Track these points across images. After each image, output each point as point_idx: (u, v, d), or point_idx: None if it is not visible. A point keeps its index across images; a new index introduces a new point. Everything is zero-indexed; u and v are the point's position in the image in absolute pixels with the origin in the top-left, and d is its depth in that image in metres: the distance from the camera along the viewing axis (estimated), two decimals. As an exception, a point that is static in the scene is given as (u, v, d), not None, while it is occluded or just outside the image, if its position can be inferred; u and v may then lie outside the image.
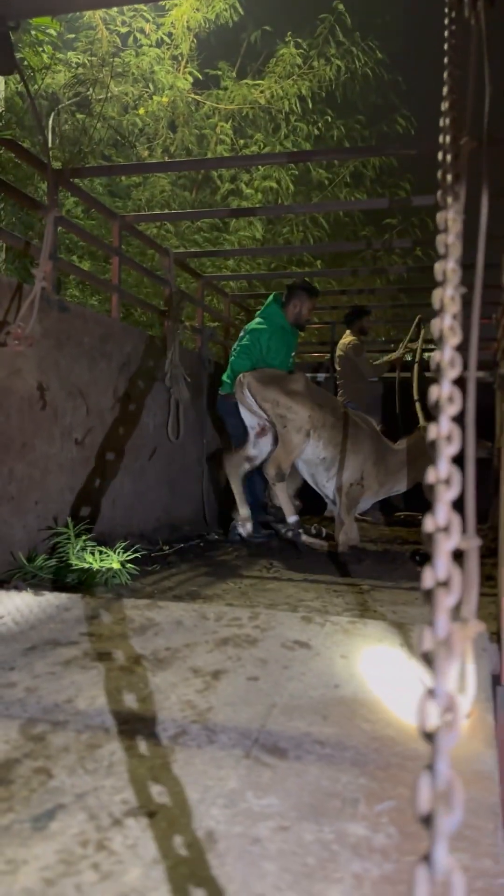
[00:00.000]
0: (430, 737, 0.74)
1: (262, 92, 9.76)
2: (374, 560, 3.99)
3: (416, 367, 5.75)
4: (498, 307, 5.26)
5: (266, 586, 3.22)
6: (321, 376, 6.85)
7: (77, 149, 8.67)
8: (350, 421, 4.41)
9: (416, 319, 6.74)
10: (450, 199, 1.40)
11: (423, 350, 6.81)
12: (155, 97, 9.27)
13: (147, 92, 9.29)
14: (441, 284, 1.20)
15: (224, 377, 4.92)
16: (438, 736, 0.72)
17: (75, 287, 8.09)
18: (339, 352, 6.44)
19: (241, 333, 4.87)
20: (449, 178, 1.46)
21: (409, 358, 6.75)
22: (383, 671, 1.81)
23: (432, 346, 7.51)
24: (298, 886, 1.00)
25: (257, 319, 4.81)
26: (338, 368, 6.43)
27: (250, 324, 4.86)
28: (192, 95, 9.69)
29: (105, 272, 7.42)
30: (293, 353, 4.97)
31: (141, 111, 9.28)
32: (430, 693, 0.77)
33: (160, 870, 1.03)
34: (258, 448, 4.50)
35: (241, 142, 9.85)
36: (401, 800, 1.23)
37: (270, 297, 4.87)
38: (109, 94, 8.88)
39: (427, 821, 0.68)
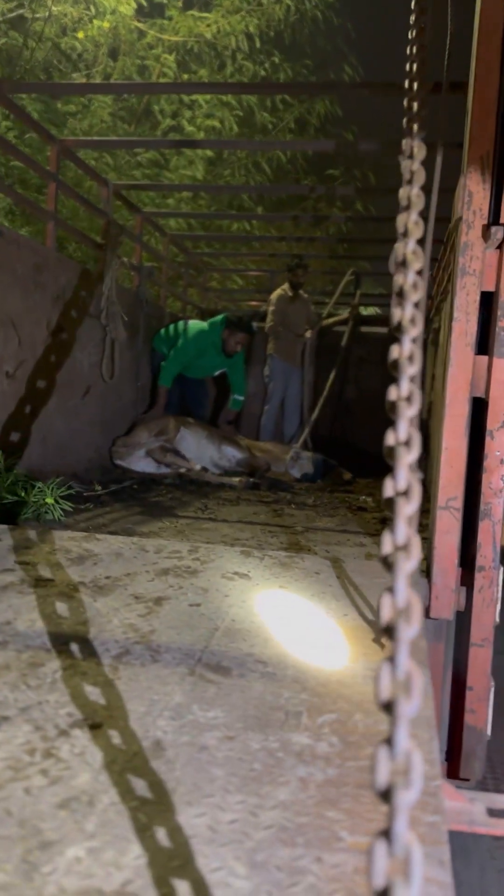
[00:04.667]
0: (390, 631, 0.76)
1: (208, 25, 9.38)
2: (309, 508, 4.06)
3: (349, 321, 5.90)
4: (434, 263, 5.32)
5: (202, 526, 3.23)
6: (256, 326, 6.83)
7: (13, 68, 8.17)
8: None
9: (350, 272, 6.76)
10: (415, 127, 1.39)
11: (358, 304, 6.87)
12: (96, 21, 8.78)
13: (88, 15, 8.79)
14: (403, 238, 1.20)
15: (163, 333, 5.75)
16: (399, 629, 0.74)
17: (4, 216, 7.72)
18: (269, 304, 6.43)
19: (180, 326, 5.67)
20: (415, 105, 1.45)
21: (339, 312, 6.81)
22: (320, 600, 1.85)
23: (362, 303, 7.55)
24: (247, 789, 1.03)
25: (202, 325, 5.60)
26: (269, 318, 6.41)
27: (196, 324, 5.65)
28: (136, 23, 9.22)
29: (38, 203, 7.10)
30: (216, 371, 5.86)
31: (80, 35, 8.79)
32: (390, 590, 0.79)
33: (109, 774, 1.04)
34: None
35: (186, 76, 9.49)
36: (341, 713, 1.27)
37: (221, 316, 5.61)
38: (48, 14, 8.35)
39: (388, 707, 0.70)
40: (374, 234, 7.02)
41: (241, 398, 5.93)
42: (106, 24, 8.81)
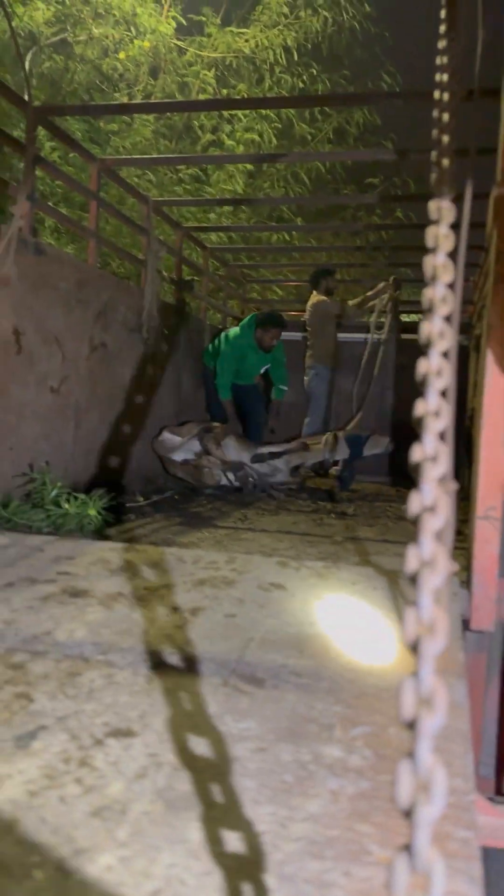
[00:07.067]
0: (414, 647, 0.76)
1: (246, 41, 9.49)
2: (349, 517, 4.04)
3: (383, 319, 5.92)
4: (476, 269, 5.26)
5: (241, 536, 3.25)
6: (299, 335, 6.82)
7: (56, 90, 8.39)
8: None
9: (391, 280, 6.70)
10: (445, 138, 1.39)
11: (397, 311, 6.81)
12: (136, 41, 8.96)
13: (129, 35, 8.98)
14: (433, 251, 1.19)
15: (210, 349, 5.77)
16: (422, 644, 0.74)
17: (50, 234, 7.91)
18: (306, 315, 6.43)
19: (222, 337, 5.74)
20: (445, 116, 1.44)
21: (381, 320, 6.73)
22: (357, 611, 1.85)
23: (404, 310, 7.47)
24: (277, 800, 1.04)
25: (235, 331, 5.70)
26: (307, 329, 6.43)
27: (232, 331, 5.68)
28: (175, 41, 9.39)
29: (82, 220, 7.26)
30: (261, 369, 5.93)
31: (122, 55, 8.97)
32: (415, 606, 0.79)
33: (141, 784, 1.06)
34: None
35: (225, 91, 9.59)
36: (375, 726, 1.27)
37: (249, 316, 5.74)
38: (90, 36, 8.56)
39: (411, 725, 0.70)
40: (414, 242, 6.96)
41: (285, 388, 6.00)
42: (146, 44, 8.98)
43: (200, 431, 4.92)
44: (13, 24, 7.50)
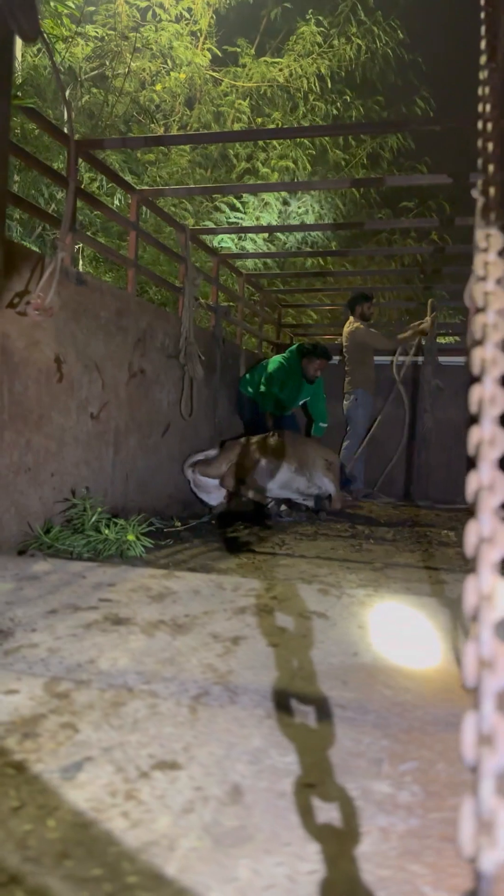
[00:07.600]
0: (474, 684, 0.74)
1: (280, 70, 9.66)
2: (388, 543, 4.00)
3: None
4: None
5: (279, 562, 3.23)
6: (336, 359, 6.83)
7: (95, 122, 8.61)
8: (288, 438, 5.28)
9: (429, 303, 6.68)
10: (491, 167, 1.38)
11: (435, 334, 6.77)
12: (173, 73, 9.19)
13: (165, 68, 9.21)
14: (482, 279, 1.18)
15: (248, 377, 5.92)
16: (483, 680, 0.72)
17: (89, 263, 8.06)
18: (343, 339, 6.46)
19: (262, 365, 5.92)
20: (489, 145, 1.44)
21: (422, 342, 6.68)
22: (400, 641, 1.81)
23: (440, 332, 7.43)
24: (326, 838, 1.01)
25: (277, 358, 5.85)
26: (345, 355, 6.46)
27: (273, 358, 5.91)
28: (210, 72, 9.60)
29: (119, 250, 7.39)
30: (302, 400, 6.10)
31: (158, 87, 9.20)
32: (474, 642, 0.77)
33: (188, 819, 1.04)
34: None
35: (259, 120, 9.77)
36: (423, 761, 1.24)
37: (294, 346, 5.94)
38: (127, 70, 8.80)
39: (474, 766, 0.68)
40: (450, 263, 6.93)
41: (325, 425, 6.07)
42: (182, 76, 9.20)
43: (225, 472, 4.95)
44: (54, 59, 7.76)
